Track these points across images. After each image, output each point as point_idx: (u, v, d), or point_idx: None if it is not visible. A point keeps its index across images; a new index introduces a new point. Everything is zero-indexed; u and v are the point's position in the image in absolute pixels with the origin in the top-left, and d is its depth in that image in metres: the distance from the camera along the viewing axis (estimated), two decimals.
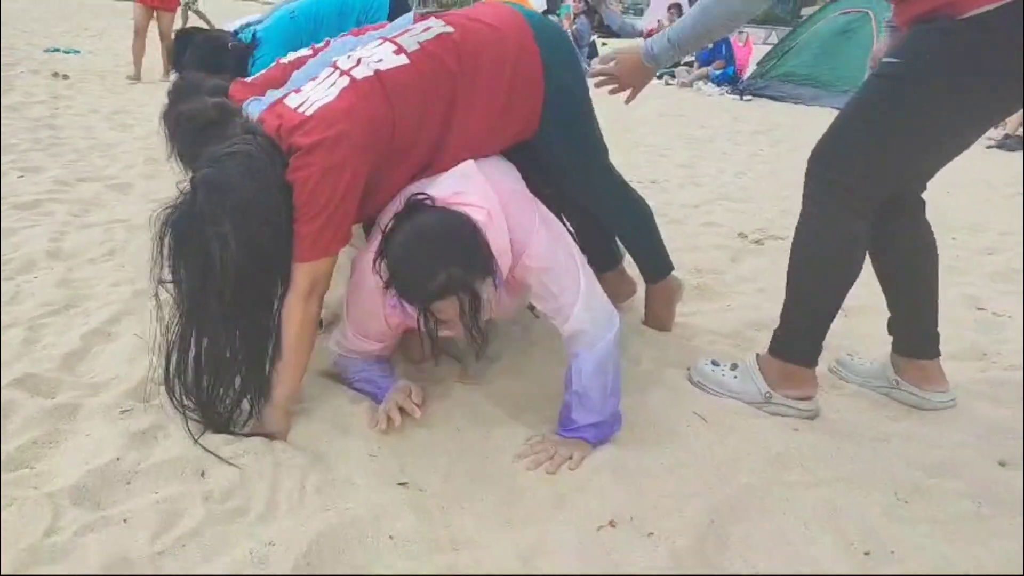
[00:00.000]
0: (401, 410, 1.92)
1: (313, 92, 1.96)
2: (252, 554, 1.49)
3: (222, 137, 2.09)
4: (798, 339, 2.12)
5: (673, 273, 2.64)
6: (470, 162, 1.93)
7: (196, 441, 1.82)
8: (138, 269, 2.89)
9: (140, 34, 8.37)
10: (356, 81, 1.93)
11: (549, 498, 1.73)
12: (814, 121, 7.90)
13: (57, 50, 10.14)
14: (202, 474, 1.74)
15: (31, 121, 5.54)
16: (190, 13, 12.93)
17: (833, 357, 2.47)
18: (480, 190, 1.85)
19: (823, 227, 2.00)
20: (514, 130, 2.16)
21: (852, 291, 2.07)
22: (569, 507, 1.70)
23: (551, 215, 2.02)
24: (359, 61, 2.00)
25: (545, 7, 18.83)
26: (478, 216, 1.77)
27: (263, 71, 3.05)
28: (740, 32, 11.22)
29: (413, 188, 1.93)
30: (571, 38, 11.96)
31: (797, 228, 2.07)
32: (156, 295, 1.81)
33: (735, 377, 2.19)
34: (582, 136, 2.35)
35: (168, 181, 4.10)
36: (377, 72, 1.95)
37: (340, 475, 1.76)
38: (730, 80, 9.85)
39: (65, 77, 7.80)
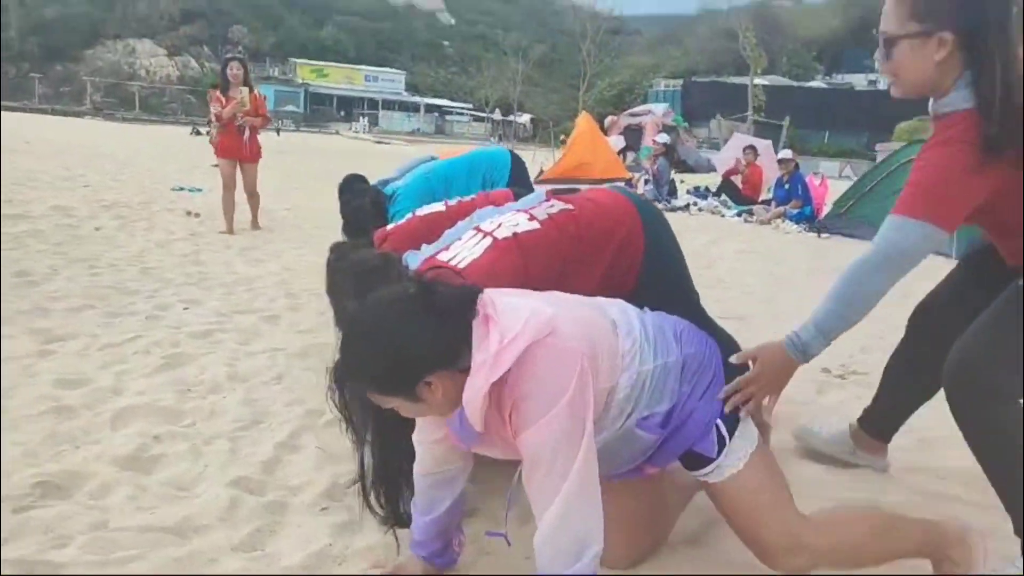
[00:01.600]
0: None
1: (461, 250, 2.49)
2: None
3: (384, 281, 2.65)
4: None
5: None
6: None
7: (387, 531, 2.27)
8: (304, 391, 3.44)
9: (229, 188, 7.95)
10: (497, 241, 2.45)
11: None
12: None
13: (182, 188, 11.18)
14: (397, 554, 2.18)
15: (179, 257, 6.29)
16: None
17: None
18: (531, 310, 1.71)
19: (1005, 416, 2.00)
20: (617, 281, 2.65)
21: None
22: None
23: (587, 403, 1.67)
24: (500, 225, 2.54)
25: (624, 144, 19.77)
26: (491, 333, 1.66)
27: (399, 222, 3.63)
28: (816, 172, 11.77)
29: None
30: (653, 178, 12.66)
31: (976, 447, 2.08)
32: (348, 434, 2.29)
33: None
34: (678, 288, 2.83)
35: (308, 313, 4.72)
36: (515, 233, 2.48)
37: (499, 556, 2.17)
38: (807, 219, 10.32)
39: (196, 215, 8.68)
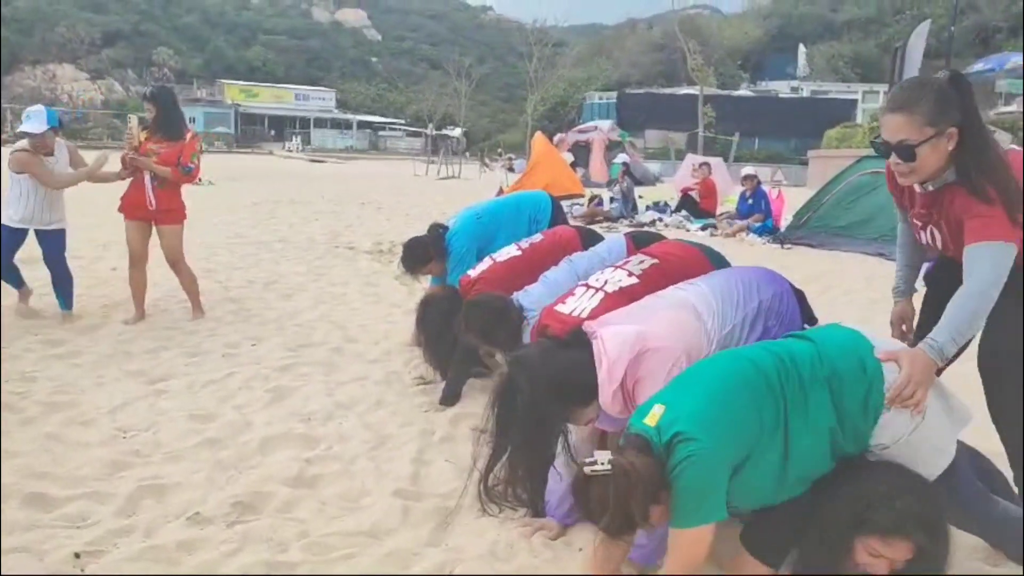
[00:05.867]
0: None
1: (577, 303, 3.10)
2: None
3: (505, 318, 3.28)
4: None
5: None
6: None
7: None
8: (408, 415, 3.96)
9: (138, 263, 5.73)
10: (608, 294, 3.10)
11: None
12: (854, 268, 9.10)
13: None
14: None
15: (210, 294, 6.66)
16: None
17: None
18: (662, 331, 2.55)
19: None
20: None
21: None
22: None
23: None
24: (606, 282, 3.17)
25: (572, 160, 20.50)
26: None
27: (483, 267, 4.18)
28: (774, 187, 12.61)
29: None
30: (621, 195, 13.36)
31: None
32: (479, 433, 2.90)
33: None
34: None
35: (366, 344, 5.12)
36: (620, 288, 3.12)
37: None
38: (769, 231, 11.12)
39: None
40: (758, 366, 2.26)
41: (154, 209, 5.60)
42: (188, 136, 5.62)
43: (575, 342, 2.64)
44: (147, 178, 5.54)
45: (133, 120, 5.61)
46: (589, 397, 2.53)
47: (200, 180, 6.98)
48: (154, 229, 5.72)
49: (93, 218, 11.30)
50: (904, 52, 26.37)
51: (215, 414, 3.88)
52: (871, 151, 11.90)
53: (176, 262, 5.81)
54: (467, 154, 42.08)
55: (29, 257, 7.33)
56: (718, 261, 3.39)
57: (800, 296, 2.90)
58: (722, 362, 2.35)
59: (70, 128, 53.19)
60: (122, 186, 5.75)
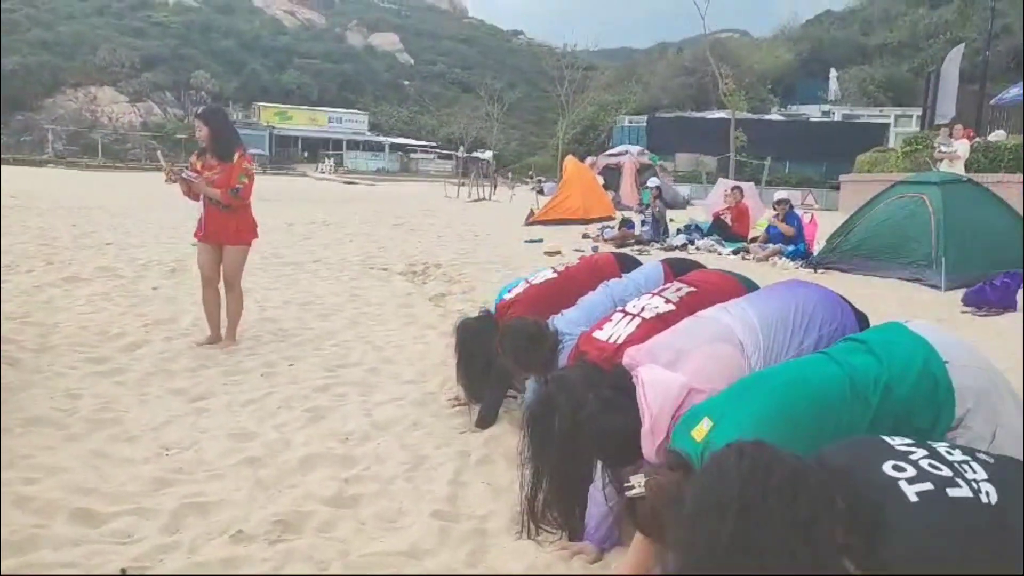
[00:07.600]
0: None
1: (615, 329, 3.13)
2: None
3: (540, 342, 3.31)
4: None
5: None
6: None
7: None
8: (444, 436, 4.01)
9: (210, 283, 5.78)
10: (645, 320, 3.12)
11: None
12: (889, 293, 8.86)
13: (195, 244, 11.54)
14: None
15: (249, 314, 6.76)
16: None
17: None
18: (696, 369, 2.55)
19: None
20: None
21: None
22: None
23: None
24: (643, 308, 3.19)
25: (602, 183, 20.53)
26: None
27: (519, 289, 4.22)
28: (806, 212, 12.54)
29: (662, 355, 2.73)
30: (653, 219, 13.37)
31: None
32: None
33: None
34: None
35: (401, 364, 5.16)
36: (657, 314, 3.14)
37: None
38: (802, 255, 11.04)
39: None
40: (816, 398, 2.22)
41: (206, 232, 5.66)
42: (236, 156, 5.54)
43: (618, 386, 2.66)
44: (202, 201, 5.60)
45: (159, 156, 5.63)
46: (632, 460, 2.52)
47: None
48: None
49: (135, 238, 11.57)
50: (938, 77, 26.34)
51: (255, 433, 3.95)
52: (905, 175, 11.85)
53: (232, 282, 5.79)
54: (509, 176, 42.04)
55: (75, 275, 7.48)
56: (746, 280, 3.42)
57: (864, 324, 2.85)
58: (781, 385, 2.29)
59: (111, 150, 54.41)
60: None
